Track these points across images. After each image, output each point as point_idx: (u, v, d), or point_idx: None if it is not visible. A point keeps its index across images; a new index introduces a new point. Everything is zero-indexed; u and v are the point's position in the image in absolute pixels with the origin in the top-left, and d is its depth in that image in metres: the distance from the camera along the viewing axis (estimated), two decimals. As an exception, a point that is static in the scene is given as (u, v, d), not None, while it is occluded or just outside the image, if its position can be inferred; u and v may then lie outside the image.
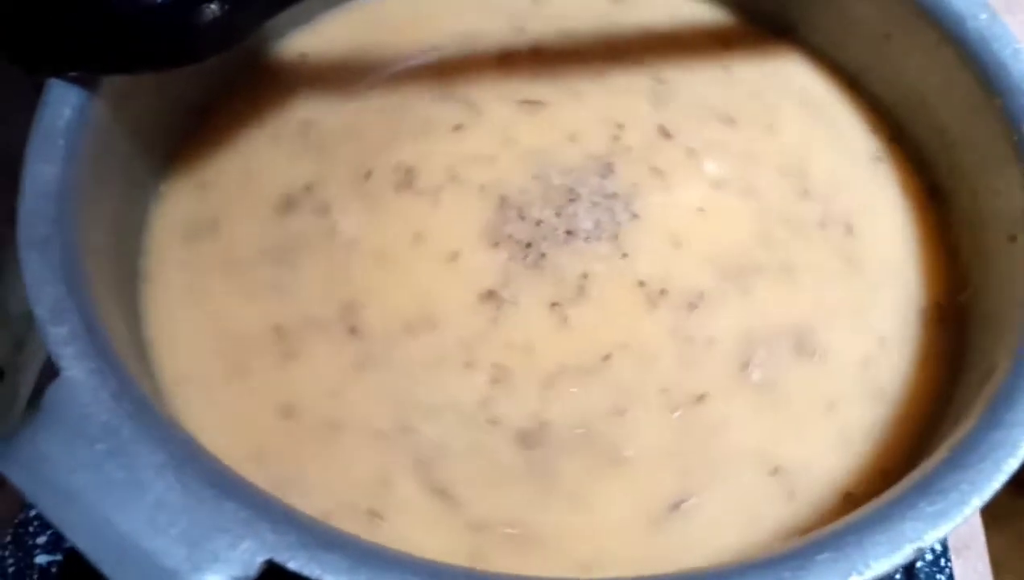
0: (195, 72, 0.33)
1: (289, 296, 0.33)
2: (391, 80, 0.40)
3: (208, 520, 0.23)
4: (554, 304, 0.33)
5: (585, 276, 0.34)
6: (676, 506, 0.29)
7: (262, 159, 0.37)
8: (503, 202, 0.35)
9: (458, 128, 0.37)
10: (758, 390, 0.32)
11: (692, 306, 0.33)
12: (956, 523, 0.24)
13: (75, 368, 0.25)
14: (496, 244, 0.34)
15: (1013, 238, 0.32)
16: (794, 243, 0.35)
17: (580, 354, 0.32)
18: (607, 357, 0.32)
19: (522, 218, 0.35)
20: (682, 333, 0.33)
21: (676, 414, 0.31)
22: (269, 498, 0.24)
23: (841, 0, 0.40)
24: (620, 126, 0.38)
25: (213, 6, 0.32)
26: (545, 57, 0.40)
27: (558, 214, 0.35)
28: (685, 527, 0.29)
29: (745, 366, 0.32)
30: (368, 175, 0.36)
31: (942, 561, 0.43)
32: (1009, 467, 0.25)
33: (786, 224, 0.36)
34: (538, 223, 0.35)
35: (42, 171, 0.30)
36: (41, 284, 0.27)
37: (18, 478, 0.23)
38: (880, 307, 0.34)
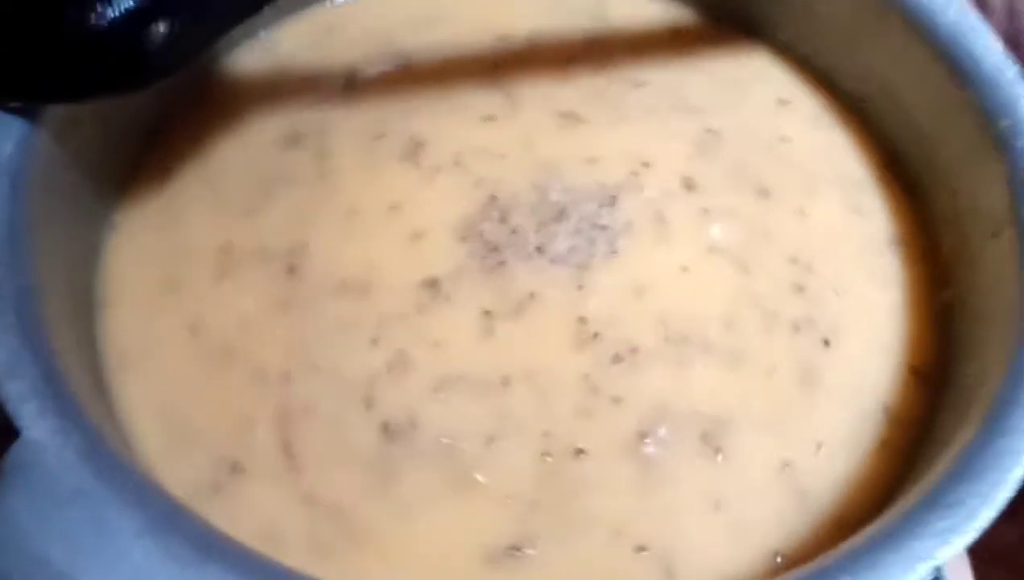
0: (142, 96, 0.31)
1: (251, 220, 0.34)
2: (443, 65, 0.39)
3: (192, 585, 0.22)
4: (487, 312, 0.32)
5: (532, 296, 0.32)
6: (514, 550, 0.28)
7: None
8: (491, 200, 0.34)
9: (488, 119, 0.37)
10: (644, 466, 0.30)
11: (618, 359, 0.31)
12: (968, 537, 0.24)
13: (37, 427, 0.24)
14: (464, 238, 0.33)
15: (995, 234, 0.32)
16: (758, 336, 0.33)
17: (484, 369, 0.31)
18: (506, 381, 0.31)
19: (502, 221, 0.34)
20: (592, 381, 0.31)
21: (547, 459, 0.30)
22: (255, 557, 0.23)
23: (810, -2, 0.39)
24: (645, 165, 0.36)
25: (161, 27, 0.30)
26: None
27: (538, 229, 0.34)
28: (517, 573, 0.28)
29: (642, 437, 0.30)
30: (380, 136, 0.36)
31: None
32: (1016, 476, 0.25)
33: (761, 313, 0.33)
34: (513, 231, 0.34)
35: (-15, 211, 0.28)
36: (-7, 336, 0.25)
37: (-14, 552, 0.21)
38: (823, 419, 0.32)
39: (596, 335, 0.32)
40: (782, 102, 0.39)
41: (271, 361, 0.31)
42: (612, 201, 0.35)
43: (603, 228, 0.34)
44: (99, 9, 0.29)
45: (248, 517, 0.28)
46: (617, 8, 0.42)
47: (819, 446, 0.31)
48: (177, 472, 0.28)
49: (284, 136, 0.36)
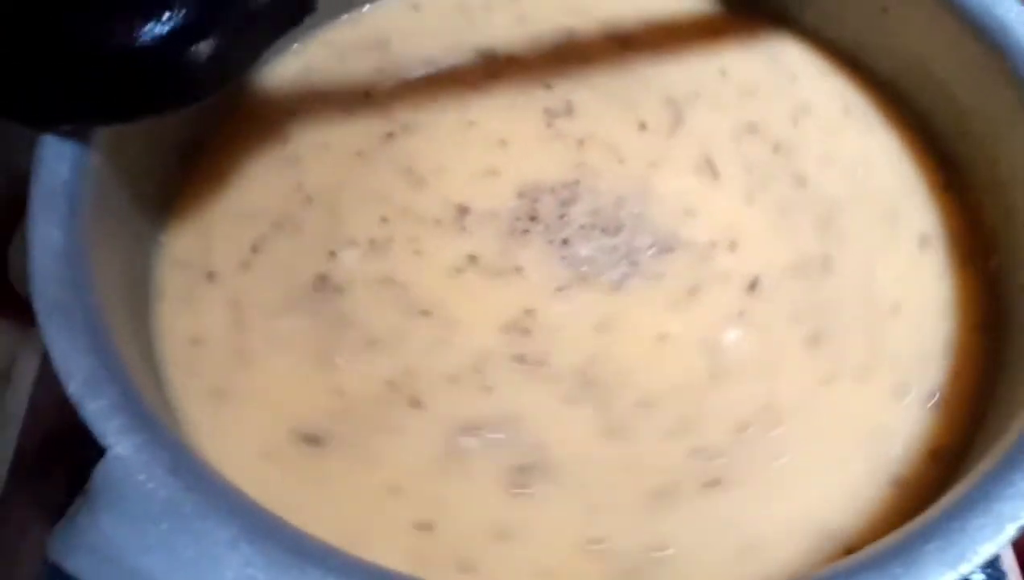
0: (183, 113, 0.31)
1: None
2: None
3: (294, 589, 0.22)
4: (472, 257, 0.34)
5: (518, 269, 0.34)
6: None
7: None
8: (574, 184, 0.35)
9: (643, 127, 0.38)
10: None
11: (520, 360, 0.32)
12: (1054, 496, 0.24)
13: (123, 444, 0.24)
14: (522, 195, 0.35)
15: (1041, 202, 0.32)
16: (653, 435, 0.31)
17: (421, 293, 0.33)
18: (426, 313, 0.32)
19: (563, 203, 0.35)
20: (478, 360, 0.32)
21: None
22: (351, 558, 0.23)
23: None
24: (732, 245, 0.35)
25: (207, 44, 0.30)
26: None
27: (583, 227, 0.34)
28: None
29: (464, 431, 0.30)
30: (548, 87, 0.37)
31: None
32: (1094, 431, 0.25)
33: (684, 420, 0.31)
34: (562, 216, 0.34)
35: (48, 234, 0.28)
36: (70, 356, 0.25)
37: (86, 566, 0.21)
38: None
39: (526, 331, 0.32)
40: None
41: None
42: (668, 251, 0.34)
43: (634, 263, 0.34)
44: (146, 28, 0.29)
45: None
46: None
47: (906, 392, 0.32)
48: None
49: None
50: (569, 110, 0.38)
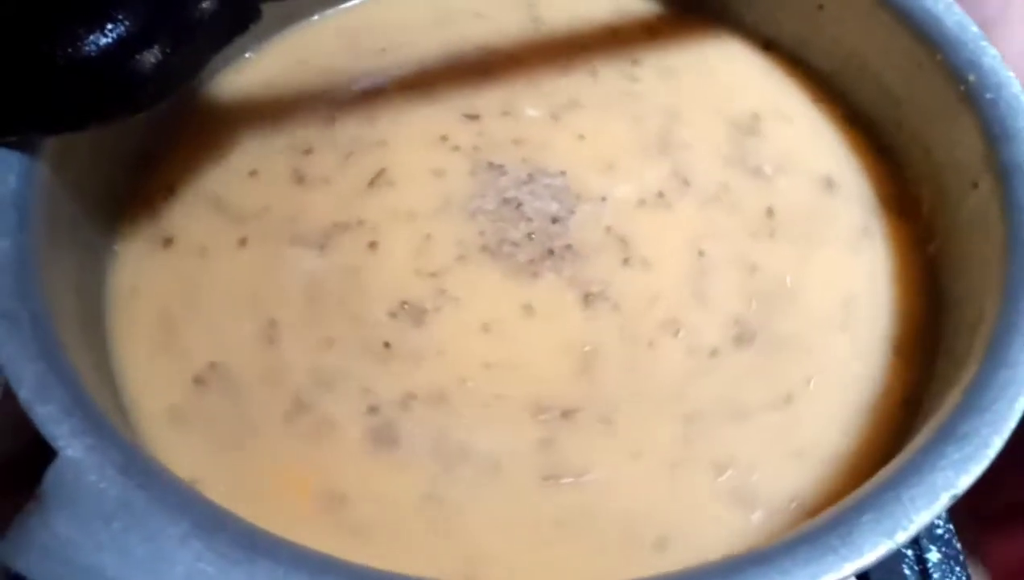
0: (132, 122, 0.31)
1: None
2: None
3: (245, 581, 0.22)
4: (625, 260, 0.34)
5: (608, 229, 0.35)
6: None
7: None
8: (489, 250, 0.34)
9: (372, 246, 0.35)
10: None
11: (685, 183, 0.36)
12: (983, 465, 0.25)
13: (73, 446, 0.24)
14: (535, 274, 0.34)
15: (975, 185, 0.33)
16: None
17: (685, 265, 0.35)
18: (702, 253, 0.35)
19: (516, 245, 0.35)
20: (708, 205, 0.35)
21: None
22: (303, 551, 0.23)
23: (771, -25, 0.40)
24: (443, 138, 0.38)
25: (151, 53, 0.30)
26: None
27: (529, 219, 0.35)
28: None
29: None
30: (387, 345, 0.32)
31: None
32: (1021, 404, 0.26)
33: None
34: (530, 236, 0.35)
35: (-4, 244, 0.28)
36: (19, 363, 0.25)
37: (40, 568, 0.21)
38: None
39: (661, 193, 0.36)
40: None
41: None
42: (493, 167, 0.36)
43: (529, 178, 0.36)
44: (90, 38, 0.29)
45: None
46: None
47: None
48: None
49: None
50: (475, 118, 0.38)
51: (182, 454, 0.30)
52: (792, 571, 0.22)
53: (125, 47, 0.29)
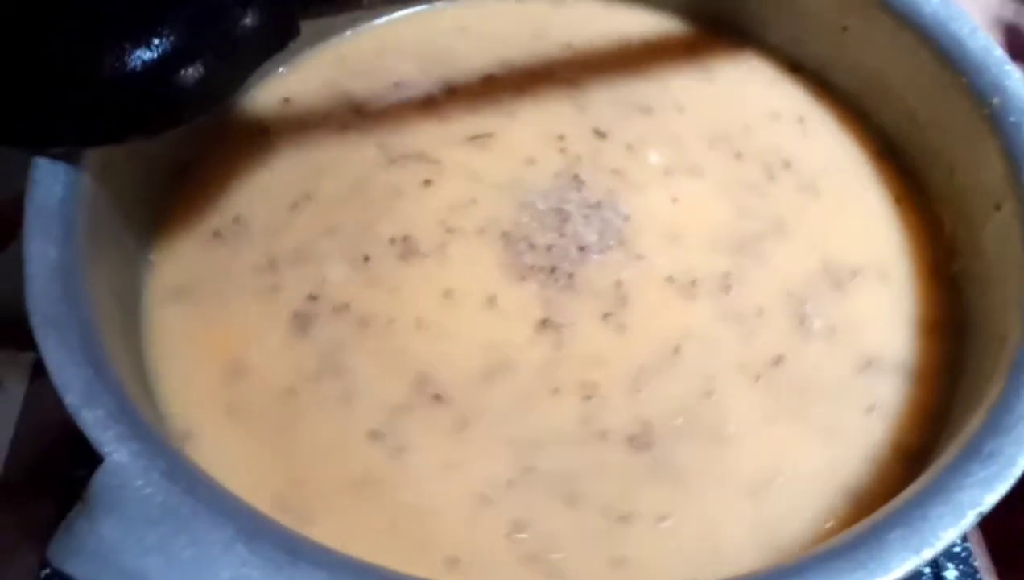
0: (171, 136, 0.32)
1: (357, 400, 0.32)
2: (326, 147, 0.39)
3: (288, 586, 0.23)
4: (606, 315, 0.34)
5: (618, 284, 0.35)
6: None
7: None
8: (507, 238, 0.36)
9: (427, 183, 0.38)
10: (825, 336, 0.34)
11: (726, 287, 0.35)
12: (1009, 483, 0.25)
13: (120, 451, 0.24)
14: (523, 277, 0.35)
15: (999, 206, 0.34)
16: (764, 201, 0.38)
17: (654, 347, 0.33)
18: (676, 349, 0.33)
19: (532, 247, 0.35)
20: (741, 319, 0.34)
21: (762, 380, 0.33)
22: (341, 555, 0.24)
23: (796, -4, 0.41)
24: (560, 137, 0.39)
25: (195, 68, 0.31)
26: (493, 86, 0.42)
27: (562, 235, 0.36)
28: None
29: (802, 320, 0.34)
30: (366, 259, 0.35)
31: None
32: (1047, 424, 0.26)
33: (747, 188, 0.38)
34: (549, 248, 0.35)
35: (43, 251, 0.29)
36: (67, 368, 0.26)
37: (88, 571, 0.22)
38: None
39: (694, 282, 0.35)
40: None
41: (500, 467, 0.31)
42: (577, 181, 0.38)
43: (598, 205, 0.37)
44: (135, 55, 0.30)
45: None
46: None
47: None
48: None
49: (291, 326, 0.34)
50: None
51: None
52: (821, 585, 0.23)
53: (169, 63, 0.30)
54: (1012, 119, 0.34)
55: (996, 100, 0.35)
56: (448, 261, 0.35)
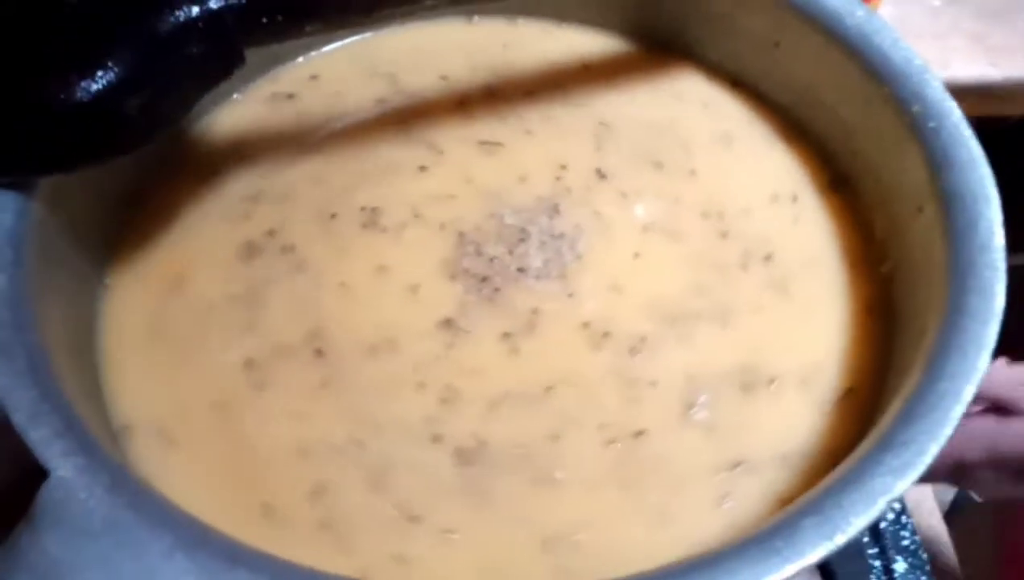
0: (123, 163, 0.33)
1: (254, 331, 0.35)
2: (351, 130, 0.41)
3: (225, 592, 0.23)
4: (506, 334, 0.35)
5: (535, 312, 0.35)
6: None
7: (210, 233, 0.38)
8: (461, 239, 0.37)
9: (422, 169, 0.40)
10: (705, 429, 0.33)
11: (634, 350, 0.35)
12: (920, 471, 0.26)
13: (64, 467, 0.25)
14: (454, 277, 0.36)
15: (920, 209, 0.35)
16: (723, 286, 0.37)
17: (525, 383, 0.34)
18: (548, 389, 0.34)
19: (479, 254, 0.37)
20: (624, 374, 0.34)
21: (614, 446, 0.32)
22: (282, 563, 0.25)
23: (730, 16, 0.43)
24: (563, 167, 0.40)
25: (141, 96, 0.32)
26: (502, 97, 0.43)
27: (510, 252, 0.37)
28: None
29: (689, 407, 0.34)
30: (333, 216, 0.38)
31: (902, 518, 0.46)
32: (957, 414, 0.27)
33: (713, 268, 0.38)
34: (492, 259, 0.37)
35: (-7, 280, 0.30)
36: (13, 391, 0.27)
37: (29, 584, 0.23)
38: (815, 318, 0.36)
39: (606, 334, 0.35)
40: (726, 134, 0.42)
41: (338, 434, 0.32)
42: (555, 209, 0.39)
43: (561, 236, 0.38)
44: (82, 84, 0.31)
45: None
46: (556, 41, 0.46)
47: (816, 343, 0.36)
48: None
49: (239, 252, 0.37)
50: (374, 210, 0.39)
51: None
52: (738, 571, 0.24)
53: (115, 92, 0.31)
54: (931, 125, 0.36)
55: (916, 108, 0.36)
56: (400, 242, 0.37)
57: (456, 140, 0.41)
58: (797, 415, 0.34)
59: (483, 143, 0.40)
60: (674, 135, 0.42)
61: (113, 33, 0.32)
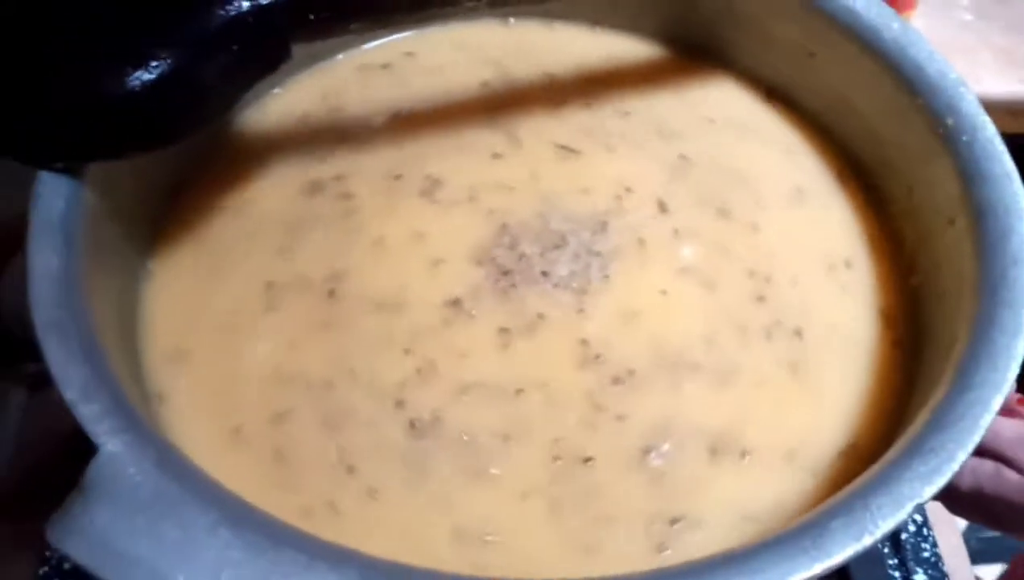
0: (170, 153, 0.34)
1: (287, 257, 0.37)
2: (441, 108, 0.43)
3: (269, 568, 0.24)
4: (504, 329, 0.36)
5: (540, 316, 0.36)
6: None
7: (281, 169, 0.40)
8: (503, 229, 0.38)
9: (495, 156, 0.41)
10: (653, 477, 0.33)
11: (617, 380, 0.34)
12: (948, 477, 0.27)
13: (113, 443, 0.26)
14: (480, 263, 0.37)
15: (952, 222, 0.36)
16: (737, 348, 0.36)
17: (501, 378, 0.34)
18: (520, 390, 0.34)
19: (512, 248, 0.38)
20: (596, 399, 0.34)
21: (558, 462, 0.33)
22: (323, 542, 0.26)
23: (765, 25, 0.43)
24: (628, 189, 0.40)
25: (190, 88, 0.33)
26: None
27: (542, 254, 0.38)
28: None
29: (646, 452, 0.33)
30: (398, 177, 0.40)
31: (924, 530, 0.46)
32: (985, 422, 0.28)
33: (734, 328, 0.36)
34: (521, 257, 0.37)
35: (47, 260, 0.30)
36: (66, 366, 0.28)
37: (82, 551, 0.24)
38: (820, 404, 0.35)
39: (598, 357, 0.35)
40: (744, 126, 0.43)
41: (315, 371, 0.34)
42: (603, 227, 0.39)
43: (597, 254, 0.38)
44: (134, 76, 0.32)
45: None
46: (592, 47, 0.46)
47: (817, 430, 0.34)
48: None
49: (303, 188, 0.40)
50: (437, 182, 0.40)
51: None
52: (766, 570, 0.25)
53: (166, 83, 0.32)
54: (964, 138, 0.36)
55: (950, 120, 0.37)
56: (446, 216, 0.38)
57: (538, 138, 0.42)
58: (769, 484, 0.33)
59: (561, 147, 0.41)
60: (750, 185, 0.41)
61: (166, 25, 0.33)
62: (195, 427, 0.33)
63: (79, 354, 0.28)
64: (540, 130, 0.42)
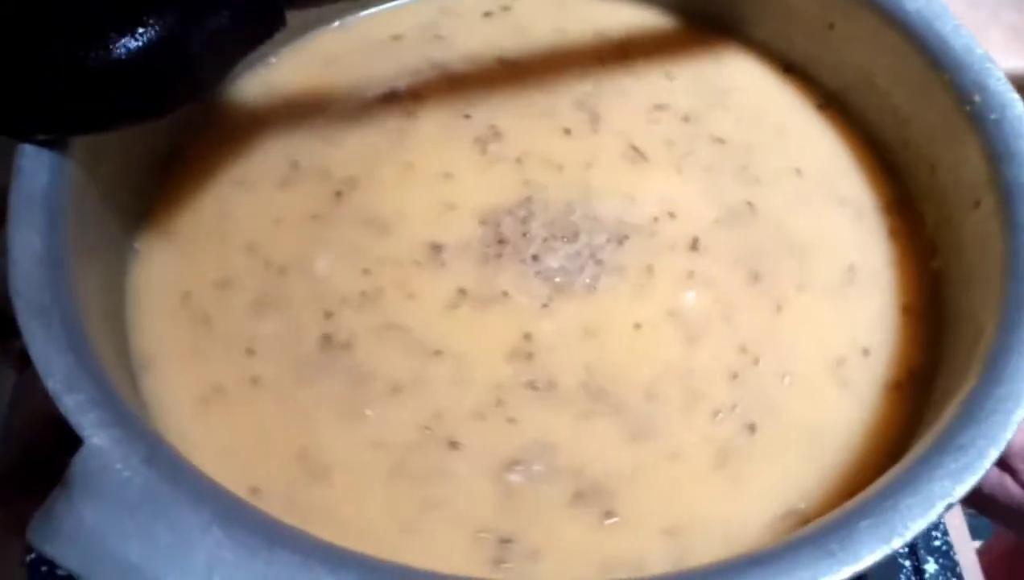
0: (157, 127, 0.32)
1: (326, 144, 0.38)
2: (541, 58, 0.43)
3: (263, 570, 0.23)
4: (462, 291, 0.35)
5: (504, 294, 0.35)
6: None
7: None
8: (526, 202, 0.37)
9: (567, 131, 0.40)
10: (503, 491, 0.31)
11: (532, 385, 0.33)
12: (979, 475, 0.25)
13: (100, 436, 0.25)
14: (484, 222, 0.37)
15: (977, 204, 0.34)
16: (677, 414, 0.32)
17: (430, 334, 0.34)
18: (439, 353, 0.33)
19: (522, 222, 0.37)
20: (500, 393, 0.32)
21: (425, 431, 0.31)
22: (317, 541, 0.24)
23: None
24: (671, 215, 0.37)
25: (180, 56, 0.31)
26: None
27: (545, 239, 0.36)
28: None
29: (512, 464, 0.31)
30: (467, 117, 0.40)
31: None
32: (1018, 418, 0.27)
33: (686, 390, 0.33)
34: (525, 234, 0.36)
35: (29, 239, 0.29)
36: (49, 355, 0.26)
37: (67, 553, 0.22)
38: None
39: (530, 356, 0.33)
40: (852, 269, 0.37)
41: (278, 254, 0.35)
42: (622, 240, 0.37)
43: (598, 262, 0.36)
44: (121, 42, 0.30)
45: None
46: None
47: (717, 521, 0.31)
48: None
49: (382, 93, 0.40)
50: (497, 134, 0.40)
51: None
52: (792, 573, 0.23)
53: (154, 51, 0.30)
54: (993, 116, 0.34)
55: (977, 97, 0.35)
56: (483, 169, 0.38)
57: (615, 131, 0.40)
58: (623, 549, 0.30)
59: (634, 148, 0.39)
60: (802, 260, 0.37)
61: (155, -9, 0.31)
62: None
63: (63, 340, 0.27)
64: (623, 123, 0.40)
